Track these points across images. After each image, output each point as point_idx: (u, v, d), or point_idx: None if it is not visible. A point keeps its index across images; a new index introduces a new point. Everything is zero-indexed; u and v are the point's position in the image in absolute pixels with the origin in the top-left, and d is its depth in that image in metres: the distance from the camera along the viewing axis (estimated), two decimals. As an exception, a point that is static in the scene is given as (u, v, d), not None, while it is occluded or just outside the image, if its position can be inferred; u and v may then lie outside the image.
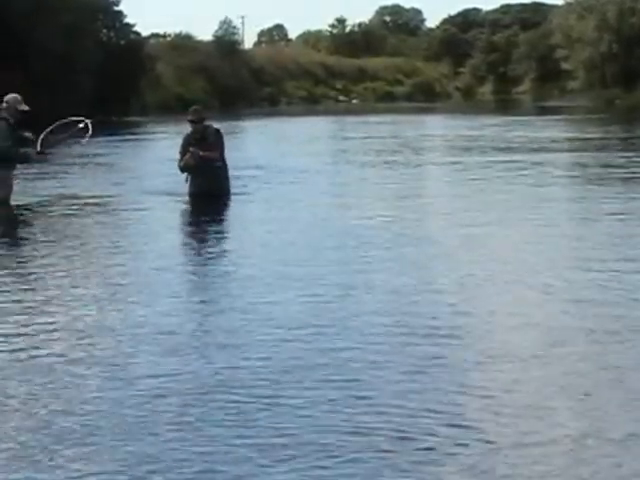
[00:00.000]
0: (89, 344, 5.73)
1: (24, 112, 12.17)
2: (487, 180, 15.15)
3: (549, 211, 11.65)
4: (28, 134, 12.34)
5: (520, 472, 3.90)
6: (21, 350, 5.62)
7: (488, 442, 4.16)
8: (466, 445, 4.11)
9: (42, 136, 12.23)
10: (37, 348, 5.66)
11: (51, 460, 4.01)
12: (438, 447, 4.10)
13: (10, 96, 12.27)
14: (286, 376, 5.09)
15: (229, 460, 4.01)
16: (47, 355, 5.52)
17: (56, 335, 5.95)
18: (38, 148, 12.25)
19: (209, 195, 12.44)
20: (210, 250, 9.24)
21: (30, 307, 6.69)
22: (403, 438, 4.19)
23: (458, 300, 6.81)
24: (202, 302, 6.99)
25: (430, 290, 7.20)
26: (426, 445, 4.12)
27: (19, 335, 5.95)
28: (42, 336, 5.93)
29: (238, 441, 4.19)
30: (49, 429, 4.35)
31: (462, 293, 7.08)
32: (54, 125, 12.53)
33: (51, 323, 6.23)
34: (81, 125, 12.70)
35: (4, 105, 12.15)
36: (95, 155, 20.21)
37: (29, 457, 4.05)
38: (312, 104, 70.32)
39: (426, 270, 8.08)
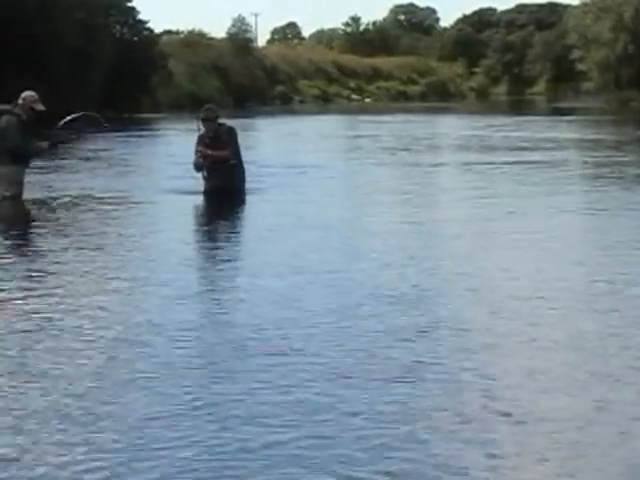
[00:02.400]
0: (100, 328, 5.88)
1: (39, 112, 12.10)
2: (497, 178, 15.12)
3: (563, 205, 11.83)
4: (43, 144, 12.30)
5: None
6: (36, 333, 5.75)
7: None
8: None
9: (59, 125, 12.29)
10: (52, 331, 5.80)
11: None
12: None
13: (27, 93, 12.18)
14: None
15: (249, 424, 4.20)
16: (63, 337, 5.68)
17: (69, 319, 6.09)
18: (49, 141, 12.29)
19: (223, 193, 12.37)
20: (221, 245, 9.26)
21: (42, 296, 6.74)
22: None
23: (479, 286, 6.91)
24: (214, 292, 7.06)
25: (445, 273, 7.44)
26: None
27: (34, 320, 6.04)
28: (57, 321, 6.04)
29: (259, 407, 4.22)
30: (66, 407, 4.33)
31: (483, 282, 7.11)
32: (69, 118, 12.52)
33: (67, 310, 6.33)
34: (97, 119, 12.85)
35: (20, 101, 12.07)
36: (107, 151, 20.22)
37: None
38: (325, 103, 70.37)
39: (435, 257, 8.19)
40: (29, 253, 8.90)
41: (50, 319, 6.14)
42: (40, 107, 12.10)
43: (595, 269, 7.82)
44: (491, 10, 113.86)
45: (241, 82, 61.98)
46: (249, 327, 5.92)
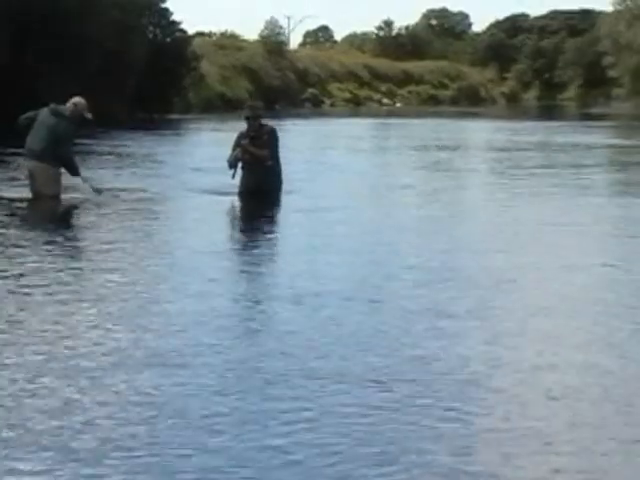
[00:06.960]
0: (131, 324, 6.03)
1: (87, 120, 12.27)
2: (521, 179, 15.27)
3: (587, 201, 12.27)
4: (88, 115, 12.38)
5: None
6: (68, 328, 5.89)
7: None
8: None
9: None
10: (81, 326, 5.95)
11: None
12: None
13: (79, 100, 12.31)
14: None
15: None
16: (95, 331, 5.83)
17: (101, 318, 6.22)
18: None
19: (258, 193, 12.39)
20: (255, 245, 9.42)
21: (81, 294, 6.94)
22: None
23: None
24: (247, 291, 7.26)
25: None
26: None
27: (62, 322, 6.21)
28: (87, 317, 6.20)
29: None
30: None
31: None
32: None
33: (105, 309, 6.48)
34: None
35: (71, 107, 12.22)
36: (139, 150, 20.40)
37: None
38: (356, 106, 70.33)
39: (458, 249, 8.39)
40: (66, 248, 9.05)
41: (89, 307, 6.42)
42: (89, 115, 12.26)
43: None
44: (524, 16, 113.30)
45: (272, 84, 62.08)
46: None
